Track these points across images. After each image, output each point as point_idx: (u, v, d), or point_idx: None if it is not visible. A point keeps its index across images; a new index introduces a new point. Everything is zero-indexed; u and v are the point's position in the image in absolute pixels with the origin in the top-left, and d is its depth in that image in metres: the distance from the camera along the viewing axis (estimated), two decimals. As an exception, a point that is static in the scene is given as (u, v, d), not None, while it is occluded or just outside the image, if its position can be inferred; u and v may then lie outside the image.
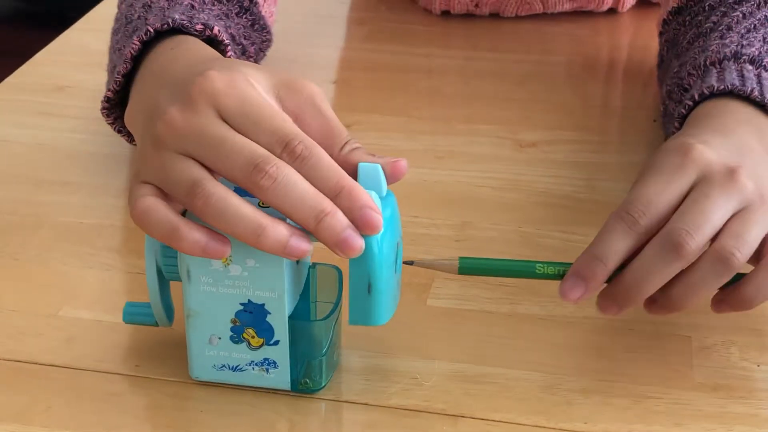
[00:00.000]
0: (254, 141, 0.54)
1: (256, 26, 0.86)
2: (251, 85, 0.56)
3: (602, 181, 0.81)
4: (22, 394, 0.60)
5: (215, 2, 0.81)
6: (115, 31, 0.79)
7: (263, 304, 0.56)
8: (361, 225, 0.53)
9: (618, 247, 0.58)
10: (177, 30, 0.70)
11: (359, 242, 0.53)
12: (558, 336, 0.64)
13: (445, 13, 1.10)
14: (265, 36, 0.88)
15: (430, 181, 0.81)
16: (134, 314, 0.61)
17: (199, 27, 0.71)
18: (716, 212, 0.57)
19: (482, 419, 0.58)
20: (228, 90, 0.55)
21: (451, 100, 0.95)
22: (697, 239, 0.56)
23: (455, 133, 0.89)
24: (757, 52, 0.71)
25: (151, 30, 0.69)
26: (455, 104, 0.94)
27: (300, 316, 0.57)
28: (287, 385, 0.58)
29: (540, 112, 0.91)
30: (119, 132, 0.74)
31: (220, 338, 0.57)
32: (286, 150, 0.53)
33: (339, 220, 0.52)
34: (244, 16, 0.85)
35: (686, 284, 0.58)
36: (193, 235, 0.53)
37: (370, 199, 0.53)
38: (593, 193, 0.80)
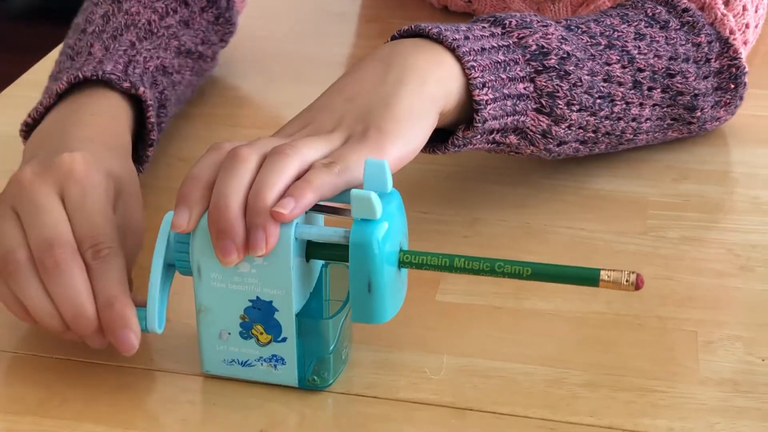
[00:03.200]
0: (73, 228, 0.60)
1: (221, 20, 0.92)
2: (100, 187, 0.62)
3: (608, 176, 0.82)
4: (38, 387, 0.61)
5: (177, 9, 0.85)
6: (64, 47, 0.83)
7: (271, 302, 0.57)
8: (117, 344, 0.58)
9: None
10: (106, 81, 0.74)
11: (96, 343, 0.60)
12: (564, 331, 0.65)
13: (446, 9, 1.10)
14: (228, 29, 0.94)
15: (439, 177, 0.82)
16: None
17: (126, 85, 0.74)
18: None
19: (490, 412, 0.59)
20: (78, 179, 0.61)
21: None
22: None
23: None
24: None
25: (81, 76, 0.73)
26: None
27: (308, 314, 0.58)
28: (294, 382, 0.59)
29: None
30: None
31: (229, 334, 0.58)
32: (92, 248, 0.59)
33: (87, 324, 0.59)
34: (210, 11, 0.90)
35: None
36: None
37: (134, 320, 0.58)
38: (600, 189, 0.80)
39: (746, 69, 0.82)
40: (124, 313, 0.58)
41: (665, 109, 0.79)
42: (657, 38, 0.78)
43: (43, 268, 0.58)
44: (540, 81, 0.70)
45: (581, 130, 0.73)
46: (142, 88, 0.75)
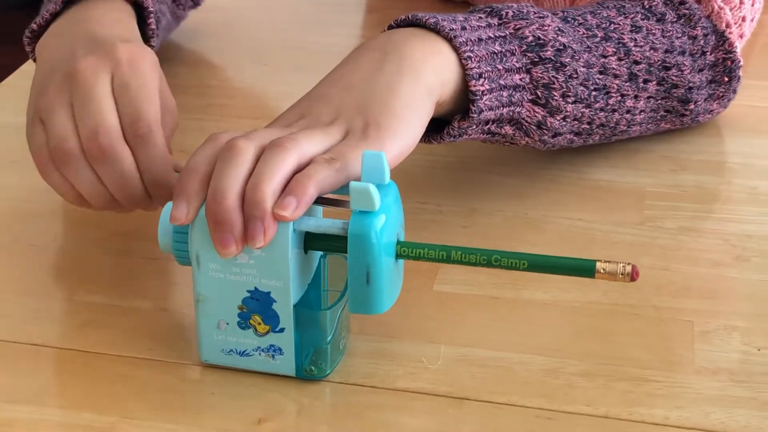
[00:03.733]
0: (119, 112, 0.64)
1: None
2: (148, 67, 0.67)
3: (606, 167, 0.82)
4: (38, 376, 0.61)
5: None
6: None
7: (269, 292, 0.57)
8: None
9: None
10: None
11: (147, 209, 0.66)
12: (561, 321, 0.65)
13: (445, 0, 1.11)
14: None
15: (437, 168, 0.82)
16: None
17: None
18: None
19: (487, 402, 0.59)
20: (128, 65, 0.66)
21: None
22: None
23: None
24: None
25: None
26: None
27: (305, 305, 0.58)
28: (292, 372, 0.59)
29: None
30: (34, 59, 0.79)
31: (227, 323, 0.59)
32: (133, 130, 0.64)
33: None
34: None
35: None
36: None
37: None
38: (597, 180, 0.81)
39: (741, 62, 0.82)
40: (171, 186, 0.63)
41: (659, 102, 0.79)
42: (653, 30, 0.78)
43: (90, 155, 0.63)
44: (536, 72, 0.70)
45: (576, 122, 0.73)
46: None
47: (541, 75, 0.70)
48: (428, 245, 0.57)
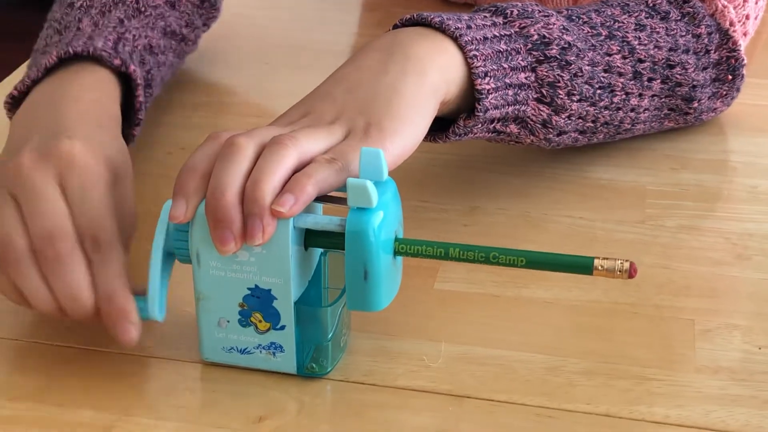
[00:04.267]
0: (73, 219, 0.59)
1: (206, 3, 0.92)
2: (100, 176, 0.61)
3: (607, 166, 0.82)
4: (38, 373, 0.61)
5: None
6: (50, 21, 0.82)
7: (270, 290, 0.57)
8: (117, 337, 0.59)
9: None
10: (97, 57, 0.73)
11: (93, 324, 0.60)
12: (562, 319, 0.65)
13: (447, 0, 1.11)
14: (212, 13, 0.94)
15: (438, 166, 0.82)
16: None
17: (117, 62, 0.74)
18: None
19: (487, 400, 0.59)
20: (78, 168, 0.61)
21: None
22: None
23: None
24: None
25: (71, 52, 0.72)
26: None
27: (306, 302, 0.58)
28: (293, 369, 0.60)
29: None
30: None
31: (228, 321, 0.59)
32: (92, 241, 0.59)
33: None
34: None
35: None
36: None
37: (133, 313, 0.58)
38: (599, 178, 0.80)
39: (745, 61, 0.82)
40: (124, 307, 0.58)
41: (663, 100, 0.79)
42: (657, 29, 0.78)
43: (43, 259, 0.58)
44: (541, 71, 0.70)
45: (581, 120, 0.73)
46: (132, 66, 0.74)
47: (546, 73, 0.70)
48: (426, 242, 0.58)
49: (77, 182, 0.60)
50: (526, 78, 0.69)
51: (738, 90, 0.84)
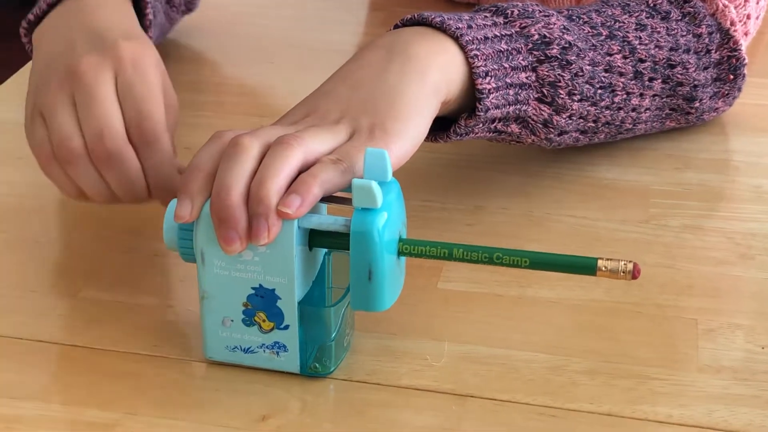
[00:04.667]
0: (123, 114, 0.64)
1: None
2: (152, 66, 0.67)
3: (610, 165, 0.82)
4: (43, 373, 0.61)
5: None
6: None
7: (274, 290, 0.57)
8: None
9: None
10: None
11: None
12: (565, 318, 0.66)
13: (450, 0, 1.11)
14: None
15: (441, 165, 0.82)
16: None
17: None
18: None
19: (490, 399, 0.59)
20: (132, 65, 0.66)
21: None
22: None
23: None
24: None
25: None
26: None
27: (310, 302, 0.59)
28: (296, 369, 0.60)
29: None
30: (30, 51, 0.80)
31: (232, 320, 0.59)
32: (140, 133, 0.64)
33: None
34: None
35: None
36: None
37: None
38: (602, 178, 0.81)
39: (746, 60, 0.82)
40: (173, 188, 0.64)
41: (665, 100, 0.79)
42: (658, 29, 0.78)
43: (95, 157, 0.64)
44: (542, 70, 0.70)
45: (582, 120, 0.74)
46: None
47: (547, 73, 0.70)
48: (430, 243, 0.58)
49: (129, 79, 0.65)
50: (527, 78, 0.69)
51: (739, 90, 0.84)
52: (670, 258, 0.71)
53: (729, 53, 0.81)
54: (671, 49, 0.78)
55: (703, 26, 0.80)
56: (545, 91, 0.70)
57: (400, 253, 0.58)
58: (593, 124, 0.75)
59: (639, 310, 0.66)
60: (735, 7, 0.82)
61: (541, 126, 0.71)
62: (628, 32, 0.76)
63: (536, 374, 0.61)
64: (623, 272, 0.55)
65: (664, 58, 0.77)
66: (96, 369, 0.61)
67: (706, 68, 0.80)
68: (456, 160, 0.83)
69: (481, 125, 0.69)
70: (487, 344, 0.63)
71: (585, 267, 0.56)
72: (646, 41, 0.77)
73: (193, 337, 0.62)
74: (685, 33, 0.79)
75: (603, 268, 0.55)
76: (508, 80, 0.68)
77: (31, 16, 0.77)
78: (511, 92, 0.69)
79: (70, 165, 0.64)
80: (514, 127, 0.71)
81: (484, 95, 0.67)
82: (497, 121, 0.69)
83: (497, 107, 0.68)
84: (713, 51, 0.80)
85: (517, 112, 0.70)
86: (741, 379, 0.60)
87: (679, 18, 0.80)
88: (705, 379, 0.60)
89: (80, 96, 0.65)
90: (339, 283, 0.61)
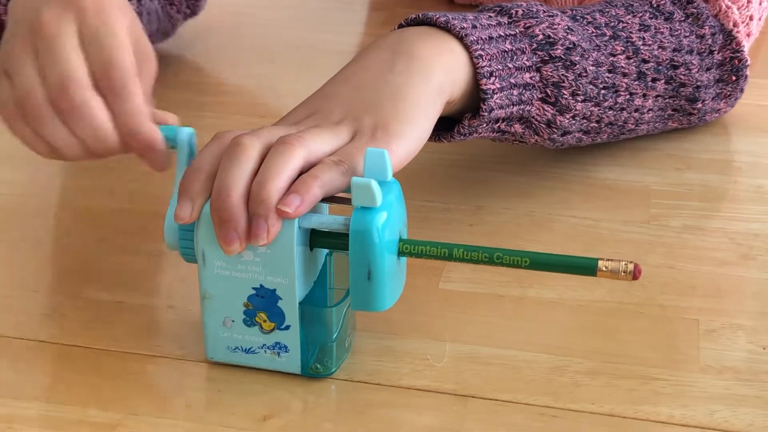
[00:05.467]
0: (89, 63, 0.61)
1: None
2: (116, 11, 0.62)
3: (612, 166, 0.82)
4: (44, 373, 0.61)
5: None
6: None
7: (275, 290, 0.57)
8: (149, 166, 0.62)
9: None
10: None
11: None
12: (566, 319, 0.66)
13: (451, 1, 1.11)
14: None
15: (443, 165, 0.82)
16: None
17: None
18: None
19: (491, 399, 0.59)
20: (95, 12, 0.62)
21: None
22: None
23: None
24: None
25: None
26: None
27: (311, 302, 0.59)
28: (297, 369, 0.60)
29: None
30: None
31: (233, 321, 0.59)
32: (107, 82, 0.60)
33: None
34: None
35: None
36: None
37: (159, 140, 0.61)
38: (604, 178, 0.81)
39: (748, 62, 0.82)
40: (147, 138, 0.61)
41: (667, 100, 0.79)
42: (661, 29, 0.78)
43: (59, 109, 0.61)
44: (546, 71, 0.70)
45: (585, 120, 0.74)
46: None
47: (551, 73, 0.70)
48: (431, 243, 0.58)
49: (93, 27, 0.61)
50: (531, 78, 0.69)
51: (742, 91, 0.84)
52: (671, 258, 0.71)
53: (732, 54, 0.81)
54: (674, 50, 0.78)
55: (706, 27, 0.80)
56: (549, 92, 0.70)
57: (400, 253, 0.58)
58: (596, 125, 0.75)
59: (640, 310, 0.66)
60: (738, 9, 0.82)
61: (544, 126, 0.71)
62: (631, 33, 0.76)
63: (538, 374, 0.61)
64: (624, 273, 0.55)
65: (667, 59, 0.77)
66: (97, 369, 0.61)
67: (708, 69, 0.80)
68: (458, 160, 0.83)
69: (484, 125, 0.69)
70: (488, 344, 0.63)
71: (585, 267, 0.56)
72: (650, 42, 0.77)
73: (194, 338, 0.62)
74: (688, 34, 0.79)
75: (603, 269, 0.55)
76: (512, 80, 0.68)
77: None
78: (515, 92, 0.69)
79: (35, 120, 0.61)
80: (518, 127, 0.71)
81: (489, 95, 0.67)
82: (501, 121, 0.69)
83: (501, 107, 0.68)
84: (716, 52, 0.80)
85: (521, 112, 0.70)
86: (743, 380, 0.60)
87: (683, 19, 0.80)
88: (707, 379, 0.60)
89: (42, 48, 0.61)
90: (340, 284, 0.61)
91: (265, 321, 0.58)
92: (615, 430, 0.57)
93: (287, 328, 0.58)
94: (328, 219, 0.57)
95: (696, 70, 0.79)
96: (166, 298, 0.68)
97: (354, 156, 0.58)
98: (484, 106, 0.67)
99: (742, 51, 0.82)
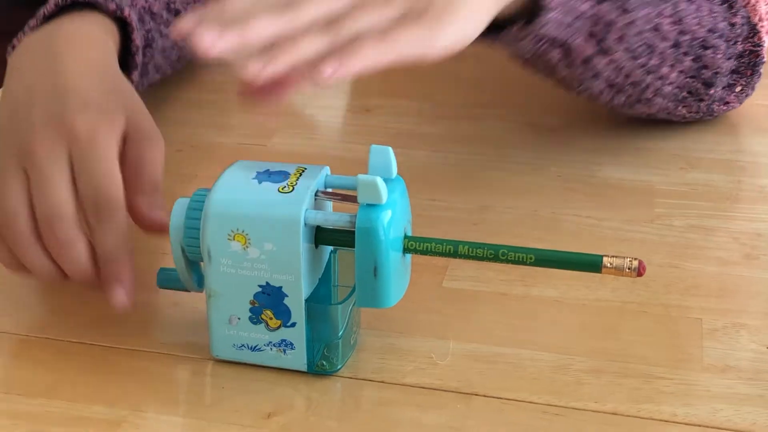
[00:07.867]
0: (78, 191, 0.61)
1: None
2: (108, 138, 0.62)
3: (616, 165, 0.82)
4: (49, 370, 0.61)
5: None
6: None
7: (281, 287, 0.57)
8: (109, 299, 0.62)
9: None
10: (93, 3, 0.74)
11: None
12: (570, 317, 0.66)
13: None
14: None
15: (448, 164, 0.82)
16: (167, 280, 0.63)
17: (111, 7, 0.74)
18: None
19: (495, 397, 0.59)
20: (88, 140, 0.62)
21: (468, 84, 0.96)
22: None
23: (473, 117, 0.90)
24: None
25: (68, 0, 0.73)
26: (473, 88, 0.95)
27: (317, 300, 0.59)
28: (303, 366, 0.60)
29: (557, 97, 0.91)
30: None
31: (239, 318, 0.59)
32: (94, 211, 0.60)
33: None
34: None
35: None
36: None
37: (127, 277, 0.61)
38: (607, 177, 0.81)
39: (765, 60, 0.82)
40: (118, 272, 0.61)
41: (687, 80, 0.79)
42: (702, 7, 0.78)
43: (45, 238, 0.61)
44: (603, 7, 0.72)
45: (616, 71, 0.75)
46: (126, 10, 0.75)
47: (607, 11, 0.71)
48: (436, 240, 0.58)
49: (84, 154, 0.62)
50: (589, 7, 0.71)
51: (753, 88, 0.84)
52: (675, 258, 0.71)
53: (752, 47, 0.81)
54: (709, 30, 0.78)
55: (738, 16, 0.80)
56: (599, 29, 0.72)
57: (405, 250, 0.58)
58: (623, 80, 0.76)
59: (644, 309, 0.66)
60: (765, 3, 0.82)
61: (580, 62, 0.73)
62: (679, 1, 0.77)
63: (541, 373, 0.61)
64: (629, 269, 0.55)
65: (701, 38, 0.78)
66: (102, 366, 0.62)
67: (729, 58, 0.80)
68: (462, 158, 0.83)
69: (530, 37, 0.70)
70: (492, 343, 0.63)
71: (590, 264, 0.56)
72: (693, 16, 0.77)
73: (199, 336, 0.63)
74: (722, 19, 0.79)
75: (608, 265, 0.55)
76: (572, 4, 0.70)
77: (16, 41, 0.74)
78: (569, 18, 0.70)
79: (15, 244, 0.61)
80: (556, 54, 0.72)
81: (546, 12, 0.69)
82: (545, 41, 0.71)
83: (554, 27, 0.70)
84: (739, 42, 0.81)
85: (566, 38, 0.71)
86: (746, 379, 0.60)
87: (720, 2, 0.80)
88: (710, 378, 0.61)
89: (33, 177, 0.61)
90: (346, 281, 0.61)
91: (271, 318, 0.59)
92: (618, 428, 0.57)
93: (293, 325, 0.58)
94: (333, 216, 0.57)
95: (721, 56, 0.79)
96: (171, 295, 0.68)
97: (399, 32, 0.58)
98: (540, 20, 0.68)
99: (761, 46, 0.81)
